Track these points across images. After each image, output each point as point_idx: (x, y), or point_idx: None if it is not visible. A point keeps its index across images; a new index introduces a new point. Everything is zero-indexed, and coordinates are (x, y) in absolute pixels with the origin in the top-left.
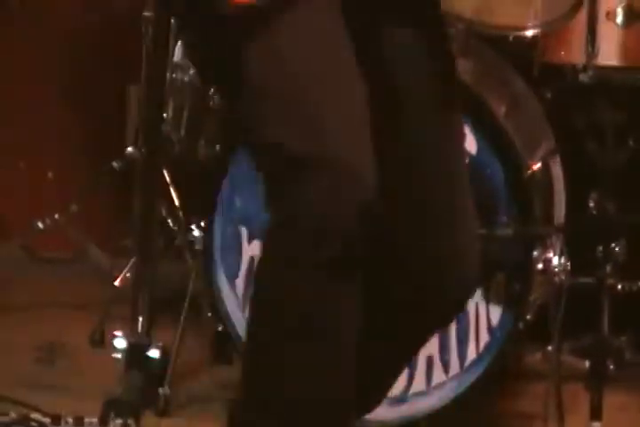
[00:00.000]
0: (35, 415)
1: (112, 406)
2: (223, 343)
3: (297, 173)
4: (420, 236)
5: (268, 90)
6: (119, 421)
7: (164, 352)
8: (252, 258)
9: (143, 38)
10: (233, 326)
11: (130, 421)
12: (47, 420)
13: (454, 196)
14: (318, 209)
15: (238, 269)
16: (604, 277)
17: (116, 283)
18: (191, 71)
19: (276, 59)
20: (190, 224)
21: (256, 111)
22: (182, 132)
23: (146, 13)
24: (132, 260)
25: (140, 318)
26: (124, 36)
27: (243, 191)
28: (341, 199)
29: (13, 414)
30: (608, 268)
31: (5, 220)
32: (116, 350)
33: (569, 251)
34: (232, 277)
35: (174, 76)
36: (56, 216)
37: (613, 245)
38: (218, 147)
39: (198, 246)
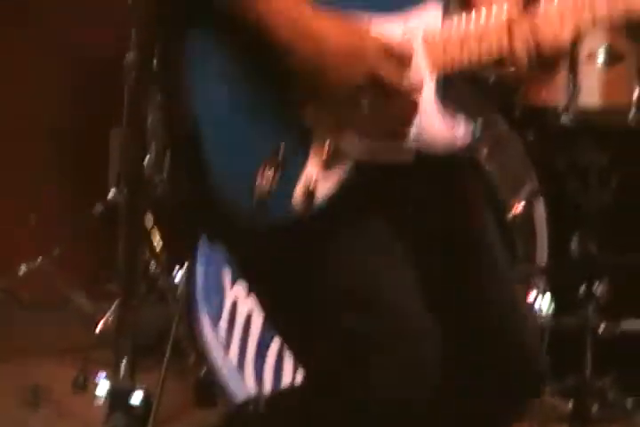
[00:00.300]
0: None
1: None
2: (206, 387)
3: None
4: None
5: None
6: None
7: (147, 396)
8: (234, 302)
9: (125, 81)
10: (216, 370)
11: None
12: None
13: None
14: (386, 395)
15: (221, 311)
16: (586, 318)
17: (99, 327)
18: None
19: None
20: (173, 266)
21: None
22: (164, 173)
23: (128, 57)
24: (115, 303)
25: (123, 362)
26: (108, 80)
27: None
28: (405, 387)
29: None
30: (590, 308)
31: None
32: (99, 393)
33: (552, 291)
34: (215, 320)
35: (156, 118)
36: (39, 260)
37: (596, 285)
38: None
39: (181, 289)
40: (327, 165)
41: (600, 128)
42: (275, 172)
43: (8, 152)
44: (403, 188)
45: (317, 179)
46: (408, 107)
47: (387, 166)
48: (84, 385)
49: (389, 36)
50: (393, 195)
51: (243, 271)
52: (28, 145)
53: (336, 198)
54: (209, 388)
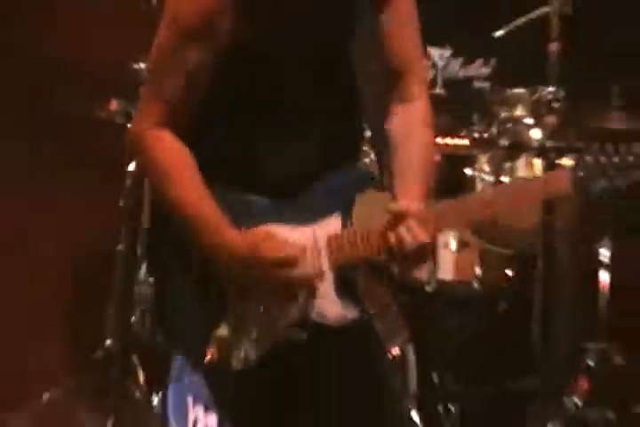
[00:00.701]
0: None
1: None
2: None
3: None
4: None
5: None
6: None
7: None
8: (195, 419)
9: (114, 269)
10: None
11: None
12: None
13: None
14: None
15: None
16: None
17: None
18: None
19: None
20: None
21: None
22: (147, 326)
23: (119, 248)
24: None
25: None
26: (97, 270)
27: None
28: None
29: None
30: (449, 424)
31: None
32: None
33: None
34: None
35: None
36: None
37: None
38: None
39: (157, 411)
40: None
41: (453, 295)
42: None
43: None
44: (299, 357)
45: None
46: (307, 293)
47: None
48: None
49: (295, 241)
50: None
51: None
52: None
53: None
54: None
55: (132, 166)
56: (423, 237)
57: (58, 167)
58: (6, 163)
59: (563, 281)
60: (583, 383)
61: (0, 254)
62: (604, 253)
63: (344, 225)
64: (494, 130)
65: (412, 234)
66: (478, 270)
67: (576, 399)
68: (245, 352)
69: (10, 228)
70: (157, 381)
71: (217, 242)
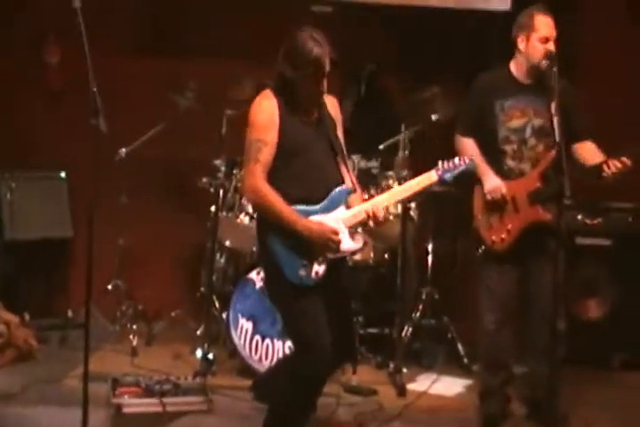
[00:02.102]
0: None
1: None
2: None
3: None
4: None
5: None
6: None
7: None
8: (240, 325)
9: (205, 257)
10: (244, 358)
11: None
12: None
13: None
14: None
15: (238, 330)
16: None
17: None
18: None
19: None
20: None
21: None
22: (219, 282)
23: (207, 245)
24: None
25: None
26: (197, 257)
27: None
28: (316, 367)
29: None
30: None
31: None
32: None
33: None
34: (238, 333)
35: (218, 264)
36: None
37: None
38: None
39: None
40: (320, 264)
41: (360, 266)
42: (308, 268)
43: None
44: (333, 272)
45: (318, 270)
46: (338, 243)
47: (332, 263)
48: None
49: (327, 222)
50: (329, 276)
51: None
52: None
53: (322, 278)
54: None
55: (212, 208)
56: (381, 214)
57: (171, 209)
58: (146, 210)
59: (409, 260)
60: (419, 307)
61: (155, 247)
62: (429, 247)
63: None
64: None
65: (379, 213)
66: (372, 254)
67: (417, 315)
68: (321, 263)
69: (153, 238)
70: (224, 307)
71: (301, 225)
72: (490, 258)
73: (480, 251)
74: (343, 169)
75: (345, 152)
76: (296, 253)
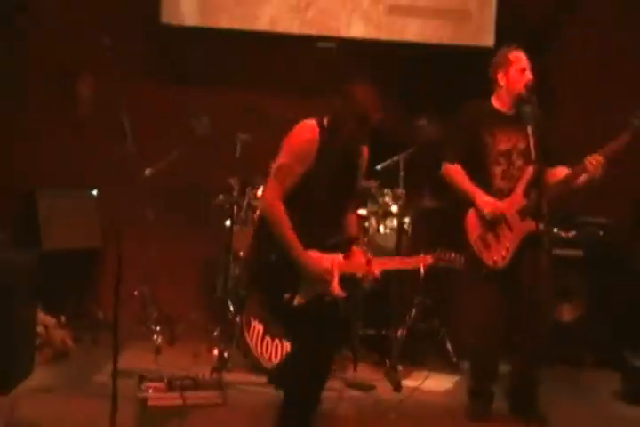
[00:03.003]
0: None
1: None
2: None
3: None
4: None
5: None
6: None
7: None
8: (253, 326)
9: (218, 267)
10: (255, 354)
11: None
12: None
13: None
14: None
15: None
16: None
17: None
18: None
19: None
20: (237, 315)
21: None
22: (233, 288)
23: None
24: None
25: None
26: (212, 267)
27: None
28: (316, 363)
29: None
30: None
31: None
32: None
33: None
34: (249, 331)
35: (232, 273)
36: None
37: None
38: None
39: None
40: (302, 297)
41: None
42: (291, 295)
43: None
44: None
45: (300, 301)
46: (329, 282)
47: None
48: None
49: (323, 262)
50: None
51: (275, 313)
52: None
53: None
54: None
55: (228, 222)
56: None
57: (191, 223)
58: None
59: (405, 271)
60: (413, 312)
61: (176, 257)
62: None
63: (342, 255)
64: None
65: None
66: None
67: (410, 319)
68: (303, 297)
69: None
70: (238, 310)
71: (300, 253)
72: (491, 278)
73: (483, 272)
74: (352, 216)
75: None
76: (287, 278)
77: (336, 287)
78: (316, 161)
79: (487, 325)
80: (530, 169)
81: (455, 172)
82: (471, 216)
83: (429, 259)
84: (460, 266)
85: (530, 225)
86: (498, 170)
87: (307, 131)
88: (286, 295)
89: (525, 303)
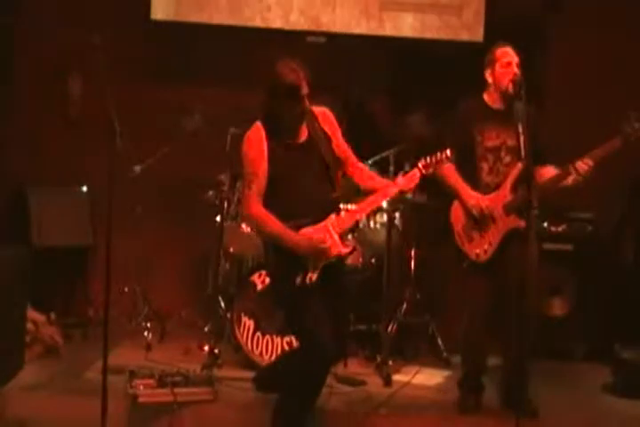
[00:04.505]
0: None
1: None
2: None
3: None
4: None
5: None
6: None
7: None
8: (243, 322)
9: (210, 262)
10: (247, 351)
11: None
12: None
13: None
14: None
15: (241, 325)
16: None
17: None
18: None
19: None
20: (227, 312)
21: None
22: (223, 284)
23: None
24: None
25: None
26: (205, 262)
27: None
28: (319, 359)
29: None
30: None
31: None
32: None
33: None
34: (241, 327)
35: (222, 266)
36: None
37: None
38: None
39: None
40: (313, 271)
41: (352, 269)
42: (302, 277)
43: None
44: (330, 274)
45: (311, 277)
46: (327, 250)
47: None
48: None
49: (316, 233)
50: (324, 278)
51: (276, 296)
52: None
53: (316, 282)
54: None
55: (218, 218)
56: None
57: (181, 220)
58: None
59: (394, 264)
60: (403, 306)
61: (166, 253)
62: (412, 252)
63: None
64: None
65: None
66: (360, 259)
67: (401, 313)
68: (314, 271)
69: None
70: (229, 306)
71: (291, 242)
72: (475, 270)
73: (465, 265)
74: (356, 171)
75: (351, 155)
76: (292, 264)
77: (338, 247)
78: (270, 154)
79: (474, 314)
80: (519, 165)
81: (446, 168)
82: (455, 208)
83: (415, 175)
84: (449, 160)
85: (515, 220)
86: (485, 166)
87: (250, 133)
88: (298, 279)
89: (511, 297)
